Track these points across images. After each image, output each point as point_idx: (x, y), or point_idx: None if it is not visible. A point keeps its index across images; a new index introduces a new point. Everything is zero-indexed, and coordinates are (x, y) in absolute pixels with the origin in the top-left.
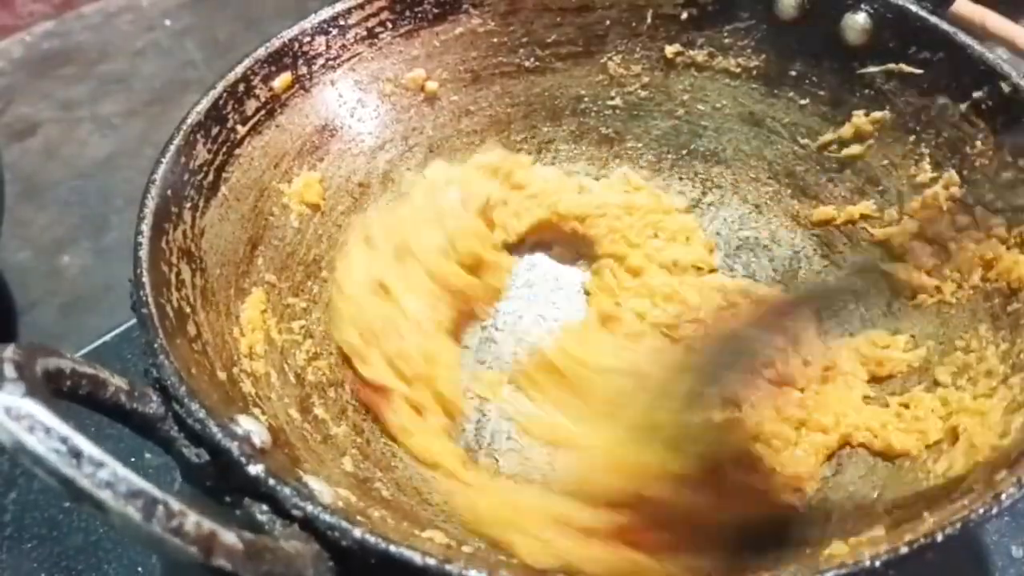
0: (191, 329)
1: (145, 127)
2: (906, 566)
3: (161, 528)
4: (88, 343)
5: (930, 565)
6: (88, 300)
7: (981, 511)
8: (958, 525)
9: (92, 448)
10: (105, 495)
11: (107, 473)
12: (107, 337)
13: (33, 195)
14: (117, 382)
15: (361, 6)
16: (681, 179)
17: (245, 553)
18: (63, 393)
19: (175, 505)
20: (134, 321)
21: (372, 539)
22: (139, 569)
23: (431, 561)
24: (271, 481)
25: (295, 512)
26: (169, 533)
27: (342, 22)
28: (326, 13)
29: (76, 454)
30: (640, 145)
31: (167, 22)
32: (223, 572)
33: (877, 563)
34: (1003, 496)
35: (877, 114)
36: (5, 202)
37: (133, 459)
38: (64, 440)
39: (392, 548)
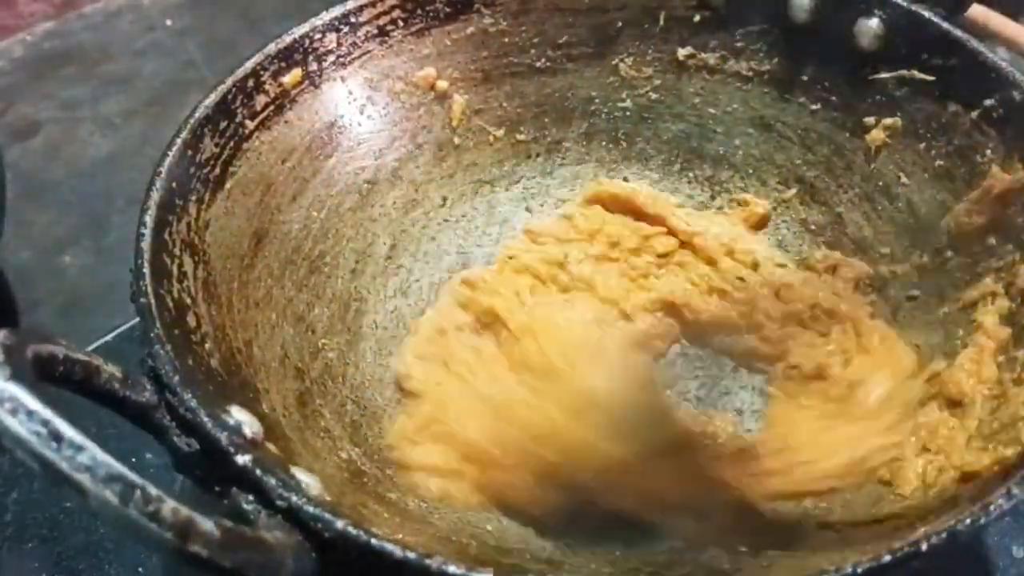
0: (191, 321)
1: (146, 127)
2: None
3: (138, 512)
4: (89, 343)
5: (931, 566)
6: (89, 300)
7: (968, 522)
8: (944, 535)
9: (73, 432)
10: (83, 478)
11: (86, 457)
12: (108, 337)
13: (34, 195)
14: (111, 370)
15: (373, 4)
16: (690, 182)
17: (222, 541)
18: (55, 379)
19: (152, 491)
20: (135, 321)
21: (354, 531)
22: (140, 569)
23: (411, 555)
24: (257, 471)
25: (279, 503)
26: (145, 518)
27: (353, 19)
28: (337, 10)
29: (57, 437)
30: (650, 148)
31: (168, 22)
32: (199, 559)
33: (859, 570)
34: (991, 507)
35: (888, 120)
36: (6, 202)
37: (133, 459)
38: (45, 423)
39: (373, 541)
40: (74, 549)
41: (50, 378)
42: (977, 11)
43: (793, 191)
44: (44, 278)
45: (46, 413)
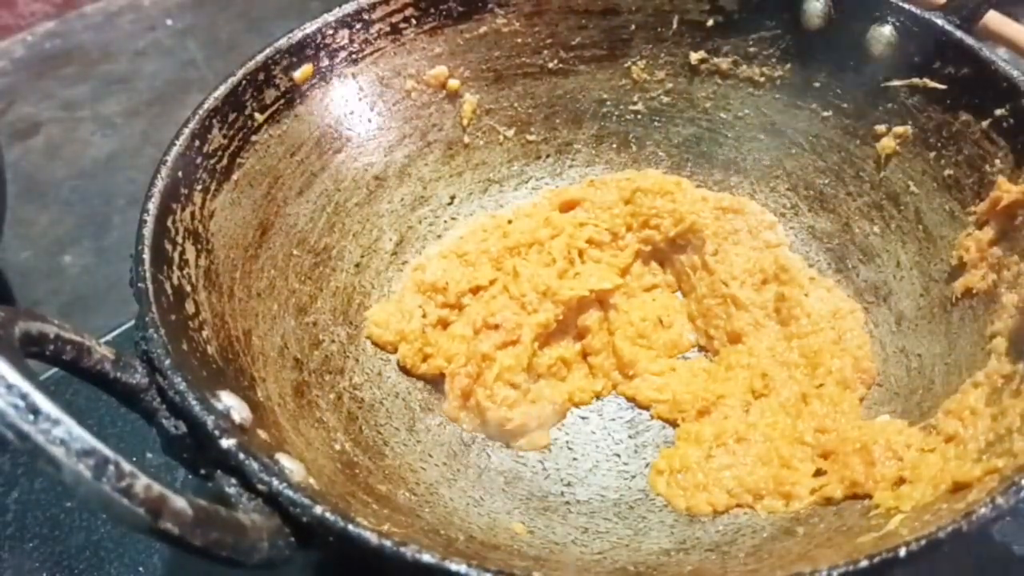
0: (189, 307)
1: (146, 127)
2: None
3: (110, 487)
4: None
5: (932, 564)
6: (90, 300)
7: (950, 530)
8: (923, 542)
9: (50, 406)
10: (58, 451)
11: (62, 431)
12: (108, 337)
13: (35, 195)
14: (103, 351)
15: (386, 1)
16: (699, 187)
17: (194, 519)
18: (46, 356)
19: (126, 466)
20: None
21: (331, 517)
22: (140, 569)
23: (386, 543)
24: (240, 455)
25: (260, 487)
26: (118, 493)
27: (366, 16)
28: (351, 7)
29: (34, 411)
30: (660, 151)
31: (169, 22)
32: (171, 537)
33: (835, 573)
34: (973, 516)
35: (899, 128)
36: (7, 202)
37: (134, 458)
38: (24, 396)
39: (350, 527)
40: (74, 549)
41: (40, 355)
42: None
43: (802, 197)
44: (44, 278)
45: (25, 386)
